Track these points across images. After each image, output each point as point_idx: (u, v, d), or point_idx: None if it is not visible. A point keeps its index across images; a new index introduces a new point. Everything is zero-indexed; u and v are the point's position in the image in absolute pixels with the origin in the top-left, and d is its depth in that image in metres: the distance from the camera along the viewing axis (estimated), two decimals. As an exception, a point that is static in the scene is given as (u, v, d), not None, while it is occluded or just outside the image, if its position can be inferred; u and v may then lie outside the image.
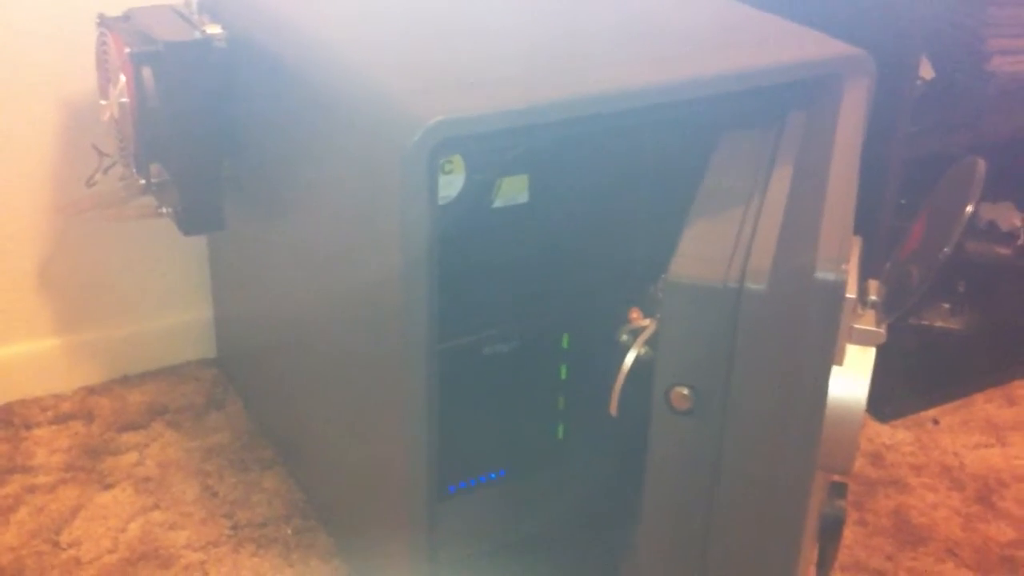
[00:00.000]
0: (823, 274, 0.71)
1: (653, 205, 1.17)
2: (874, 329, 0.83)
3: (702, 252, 0.80)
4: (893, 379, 1.51)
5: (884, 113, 1.15)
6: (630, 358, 0.86)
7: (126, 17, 1.15)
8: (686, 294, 0.78)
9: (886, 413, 1.48)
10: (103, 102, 1.19)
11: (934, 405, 1.51)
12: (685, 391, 0.82)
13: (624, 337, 0.89)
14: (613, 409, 0.87)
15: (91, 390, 1.48)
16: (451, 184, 1.12)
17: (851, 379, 0.83)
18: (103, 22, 1.14)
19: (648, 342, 0.85)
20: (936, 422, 1.49)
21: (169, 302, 1.51)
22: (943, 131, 1.40)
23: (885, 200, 1.30)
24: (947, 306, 1.66)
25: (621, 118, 0.93)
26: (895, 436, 1.46)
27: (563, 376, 1.16)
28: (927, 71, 1.45)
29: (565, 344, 1.15)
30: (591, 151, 1.15)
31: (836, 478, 0.94)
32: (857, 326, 0.82)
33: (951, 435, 1.46)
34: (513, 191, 1.17)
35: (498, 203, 1.17)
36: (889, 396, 1.48)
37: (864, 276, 0.87)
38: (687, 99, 0.94)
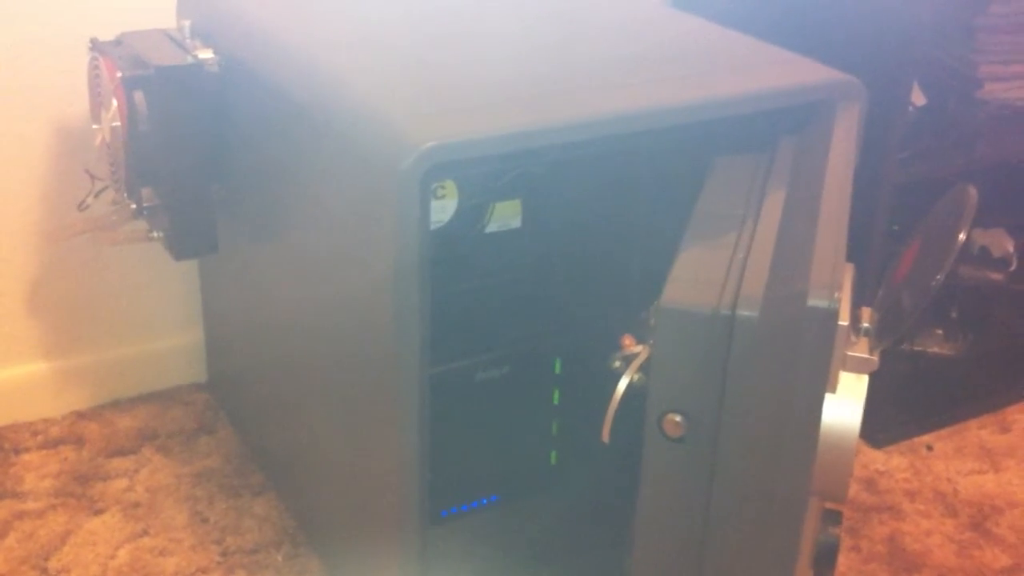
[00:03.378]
0: (816, 302, 0.71)
1: (646, 230, 1.17)
2: (867, 356, 0.82)
3: (695, 278, 0.79)
4: (887, 405, 1.50)
5: (876, 139, 1.15)
6: (622, 385, 0.85)
7: (118, 41, 1.15)
8: (678, 320, 0.77)
9: (880, 439, 1.48)
10: (95, 126, 1.18)
11: (928, 431, 1.51)
12: (678, 418, 0.81)
13: (617, 363, 0.88)
14: (605, 436, 0.87)
15: (81, 415, 1.48)
16: (444, 209, 1.13)
17: (844, 406, 0.82)
18: (95, 46, 1.14)
19: (641, 368, 0.85)
20: (930, 448, 1.48)
21: (160, 326, 1.51)
22: (934, 157, 1.40)
23: (877, 226, 1.30)
24: (940, 332, 1.66)
25: (614, 143, 0.93)
26: (889, 462, 1.45)
27: (556, 401, 1.16)
28: (918, 97, 1.46)
29: (557, 369, 1.14)
30: (584, 176, 1.15)
31: (830, 505, 0.94)
32: (850, 353, 0.82)
33: (945, 461, 1.46)
34: (506, 216, 1.17)
35: (491, 228, 1.17)
36: (883, 422, 1.48)
37: (856, 303, 0.87)
38: (680, 124, 0.94)
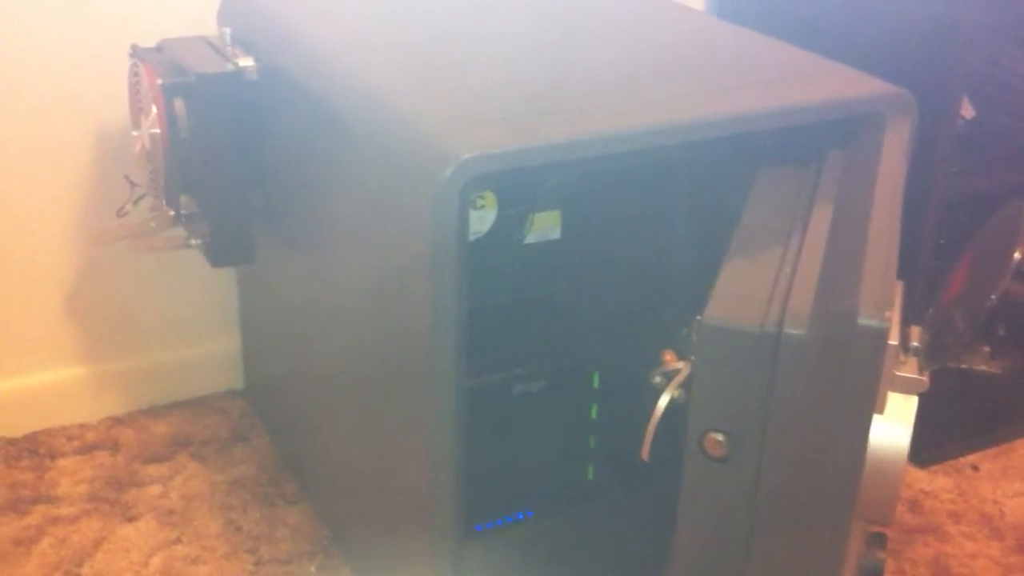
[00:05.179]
0: (866, 321, 0.69)
1: (689, 242, 1.15)
2: (917, 377, 0.80)
3: (739, 294, 0.78)
4: (932, 423, 1.46)
5: (924, 152, 1.12)
6: (663, 402, 0.84)
7: (159, 48, 1.15)
8: (722, 337, 0.76)
9: (924, 458, 1.45)
10: (135, 133, 1.18)
11: (974, 451, 1.48)
12: (720, 437, 0.79)
13: (657, 379, 0.87)
14: (645, 455, 0.85)
15: (116, 420, 1.47)
16: (482, 219, 1.11)
17: (893, 428, 0.80)
18: (135, 53, 1.14)
19: (682, 385, 0.83)
20: (976, 468, 1.45)
21: (197, 332, 1.50)
22: (984, 171, 1.37)
23: (925, 241, 1.28)
24: (987, 349, 1.62)
25: (657, 154, 0.91)
26: (934, 482, 1.42)
27: (594, 416, 1.14)
28: (967, 110, 1.43)
29: (596, 384, 1.13)
30: (626, 186, 1.13)
31: (875, 528, 0.92)
32: (899, 373, 0.80)
33: (991, 482, 1.43)
34: (546, 226, 1.16)
35: (530, 239, 1.16)
36: (928, 441, 1.45)
37: (905, 321, 0.85)
38: (726, 135, 0.92)
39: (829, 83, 1.02)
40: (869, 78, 1.02)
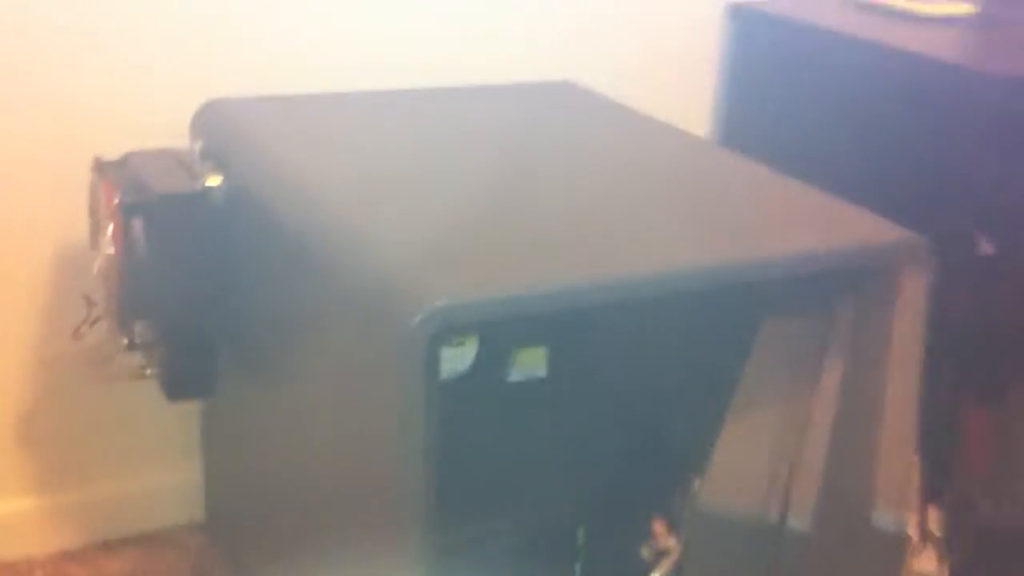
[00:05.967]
0: (882, 519, 0.61)
1: (686, 388, 1.08)
2: (936, 572, 0.71)
3: (736, 474, 0.70)
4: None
5: (939, 294, 1.05)
6: (652, 586, 0.75)
7: (122, 162, 1.08)
8: (717, 524, 0.68)
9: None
10: (93, 251, 1.11)
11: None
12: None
13: (646, 553, 0.79)
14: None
15: (68, 555, 1.38)
16: (462, 357, 1.05)
17: (910, 624, 0.71)
18: (97, 167, 1.07)
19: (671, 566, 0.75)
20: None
21: (155, 462, 1.42)
22: (1002, 311, 1.29)
23: (939, 398, 1.19)
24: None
25: (649, 300, 0.85)
26: (947, 647, 1.31)
27: (578, 574, 1.06)
28: (988, 248, 1.36)
29: (580, 540, 1.04)
30: (618, 324, 1.07)
31: None
32: (917, 567, 0.71)
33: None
34: (531, 363, 1.10)
35: (514, 376, 1.09)
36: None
37: (922, 496, 0.76)
38: (725, 285, 0.85)
39: (839, 230, 0.95)
40: (881, 223, 0.95)
